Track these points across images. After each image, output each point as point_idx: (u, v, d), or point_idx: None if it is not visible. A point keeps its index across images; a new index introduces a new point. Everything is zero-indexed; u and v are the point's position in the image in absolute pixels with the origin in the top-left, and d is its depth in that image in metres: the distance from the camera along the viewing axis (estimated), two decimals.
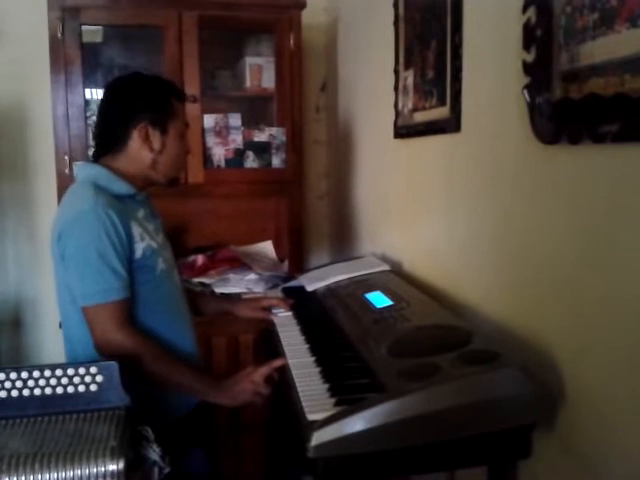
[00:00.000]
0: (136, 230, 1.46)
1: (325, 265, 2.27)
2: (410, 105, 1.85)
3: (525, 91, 1.16)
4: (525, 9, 1.16)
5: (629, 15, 0.91)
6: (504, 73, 1.28)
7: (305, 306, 1.84)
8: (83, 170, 1.55)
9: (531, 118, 1.15)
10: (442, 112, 1.60)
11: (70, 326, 1.49)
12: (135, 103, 1.50)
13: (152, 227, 1.56)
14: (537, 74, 1.13)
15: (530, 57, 1.14)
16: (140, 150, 1.50)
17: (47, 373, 1.18)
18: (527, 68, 1.15)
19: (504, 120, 1.30)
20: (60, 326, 2.35)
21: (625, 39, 0.92)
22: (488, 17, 1.38)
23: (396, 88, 1.97)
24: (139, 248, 1.45)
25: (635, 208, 0.94)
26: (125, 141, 1.50)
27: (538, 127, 1.14)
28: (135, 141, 1.50)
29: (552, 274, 1.17)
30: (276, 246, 2.77)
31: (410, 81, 1.85)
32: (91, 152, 2.39)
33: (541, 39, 1.11)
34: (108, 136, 1.53)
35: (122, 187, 1.49)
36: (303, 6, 2.55)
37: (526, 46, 1.16)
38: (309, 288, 1.92)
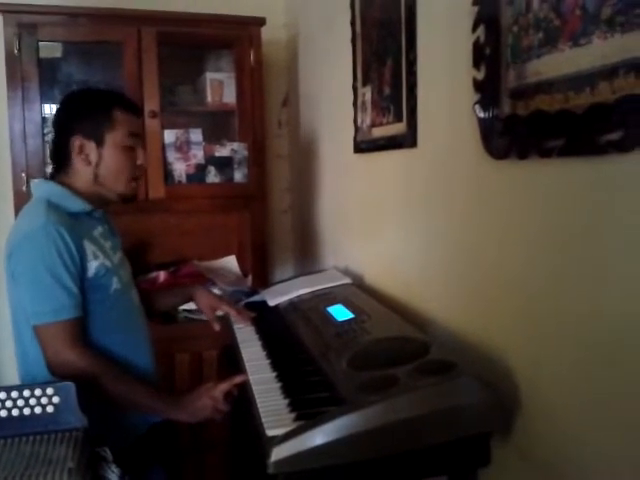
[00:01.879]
0: (89, 248, 1.44)
1: (288, 279, 2.28)
2: (368, 121, 1.88)
3: (476, 107, 1.19)
4: (475, 28, 1.19)
5: (571, 34, 0.95)
6: (456, 90, 1.32)
7: (267, 321, 1.83)
8: (38, 187, 1.52)
9: (482, 134, 1.19)
10: (399, 128, 1.63)
11: (24, 345, 1.46)
12: (69, 116, 1.50)
13: (109, 245, 1.54)
14: (487, 91, 1.16)
15: (480, 75, 1.18)
16: (80, 164, 1.48)
17: (2, 395, 1.15)
18: (477, 85, 1.19)
19: (457, 135, 1.33)
20: None
21: (568, 57, 0.96)
22: (440, 35, 1.41)
23: (355, 104, 2.00)
24: (92, 267, 1.43)
25: (580, 220, 0.98)
26: (68, 156, 1.48)
27: (489, 143, 1.17)
28: (74, 155, 1.48)
29: (505, 285, 1.19)
30: (240, 261, 2.76)
31: (368, 97, 1.88)
32: (49, 169, 2.38)
33: (490, 57, 1.15)
34: (55, 152, 1.53)
35: (76, 204, 1.47)
36: (263, 22, 2.57)
37: (476, 64, 1.19)
38: (271, 303, 1.93)
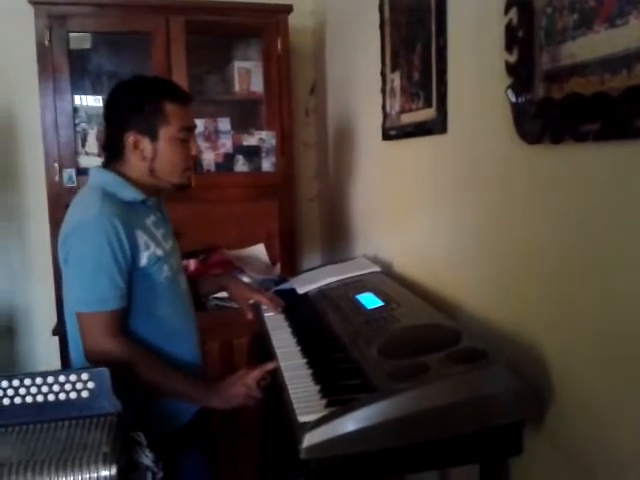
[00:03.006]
0: (141, 238, 1.44)
1: (316, 267, 2.28)
2: (397, 107, 1.86)
3: (508, 92, 1.17)
4: (507, 10, 1.17)
5: (607, 15, 0.92)
6: (488, 74, 1.29)
7: (297, 309, 1.84)
8: (94, 175, 1.52)
9: (514, 118, 1.17)
10: (429, 114, 1.61)
11: (73, 329, 1.48)
12: (121, 111, 1.48)
13: (161, 233, 1.54)
14: (519, 75, 1.14)
15: (512, 58, 1.16)
16: (134, 158, 1.48)
17: (39, 381, 1.18)
18: (510, 69, 1.17)
19: (489, 120, 1.31)
20: (53, 333, 2.36)
21: (604, 39, 0.94)
22: (471, 19, 1.39)
23: (383, 90, 1.98)
24: (144, 257, 1.44)
25: (617, 205, 0.95)
26: (122, 150, 1.48)
27: (521, 127, 1.15)
28: (128, 150, 1.48)
29: (538, 272, 1.18)
30: (268, 249, 2.77)
31: (397, 83, 1.86)
32: (81, 159, 2.41)
33: (523, 40, 1.13)
34: (109, 144, 1.53)
35: (130, 193, 1.47)
36: (290, 10, 2.56)
37: (508, 47, 1.17)
38: (300, 291, 1.93)
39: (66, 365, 2.14)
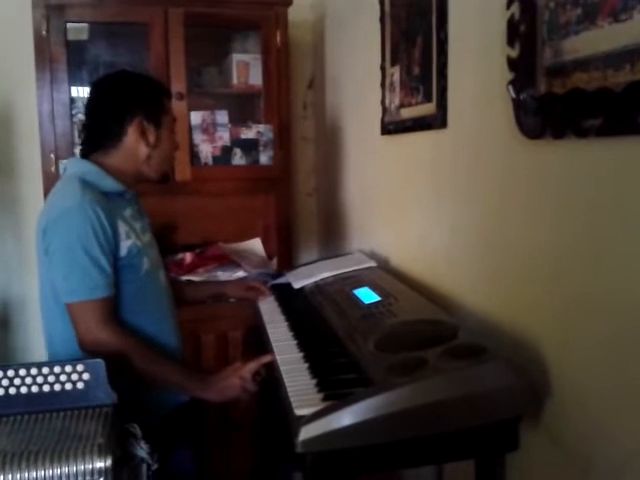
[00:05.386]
0: (122, 228, 1.45)
1: (312, 262, 2.27)
2: (397, 101, 1.86)
3: (510, 86, 1.16)
4: (509, 5, 1.16)
5: (611, 10, 0.92)
6: (489, 69, 1.29)
7: (293, 303, 1.84)
8: (72, 166, 1.55)
9: (516, 113, 1.16)
10: (428, 108, 1.61)
11: (51, 323, 1.48)
12: (130, 98, 1.52)
13: (139, 226, 1.56)
14: (521, 69, 1.14)
15: (514, 53, 1.15)
16: (136, 144, 1.52)
17: (34, 371, 1.17)
18: (511, 64, 1.16)
19: (489, 115, 1.31)
20: None
21: (607, 34, 0.93)
22: (473, 13, 1.38)
23: (383, 85, 1.97)
24: (124, 246, 1.44)
25: (618, 201, 0.95)
26: (120, 137, 1.51)
27: (523, 122, 1.14)
28: (131, 136, 1.51)
29: (537, 268, 1.17)
30: (265, 243, 2.76)
31: (397, 77, 1.85)
32: (77, 150, 2.39)
33: (525, 34, 1.12)
34: (101, 132, 1.53)
35: (110, 184, 1.48)
36: (289, 3, 2.55)
37: (510, 42, 1.16)
38: (296, 285, 1.93)
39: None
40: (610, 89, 0.92)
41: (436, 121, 1.56)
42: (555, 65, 1.06)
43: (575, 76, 1.00)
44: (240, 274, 2.47)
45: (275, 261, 2.67)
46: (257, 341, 1.72)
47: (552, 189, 1.11)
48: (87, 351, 1.37)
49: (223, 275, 2.47)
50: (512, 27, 1.16)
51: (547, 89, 1.08)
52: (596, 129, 0.95)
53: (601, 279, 1.00)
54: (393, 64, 1.89)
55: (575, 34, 1.00)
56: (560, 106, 1.03)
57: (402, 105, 1.82)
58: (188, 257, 2.55)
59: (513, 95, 1.16)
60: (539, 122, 1.09)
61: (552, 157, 1.10)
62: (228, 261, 2.55)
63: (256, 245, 2.77)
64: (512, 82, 1.16)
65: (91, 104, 1.55)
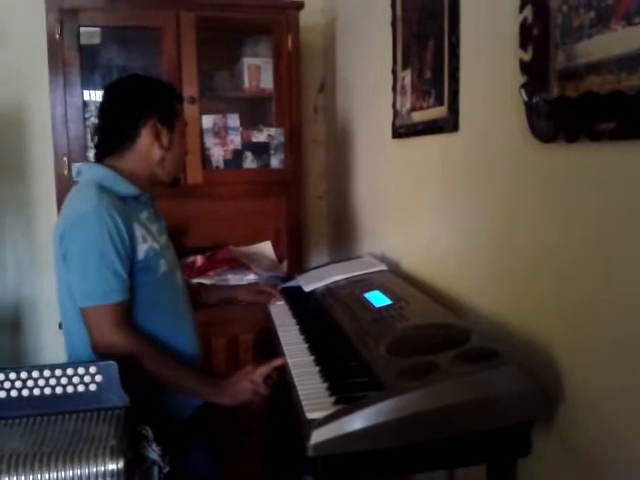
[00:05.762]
0: (139, 231, 1.46)
1: (323, 265, 2.27)
2: (408, 105, 1.86)
3: (522, 90, 1.16)
4: (522, 8, 1.16)
5: (625, 13, 0.92)
6: (501, 72, 1.29)
7: (304, 306, 1.84)
8: (87, 170, 1.56)
9: (528, 117, 1.16)
10: (440, 112, 1.61)
11: (70, 326, 1.49)
12: (144, 102, 1.53)
13: (155, 228, 1.56)
14: (534, 73, 1.13)
15: (527, 56, 1.15)
16: (150, 147, 1.53)
17: (46, 373, 1.18)
18: (524, 67, 1.16)
19: (501, 119, 1.30)
20: (60, 327, 2.36)
21: (621, 37, 0.93)
22: (485, 17, 1.38)
23: (394, 88, 1.97)
24: (141, 250, 1.45)
25: (631, 205, 0.95)
26: (134, 140, 1.52)
27: (535, 126, 1.14)
28: (145, 139, 1.52)
29: (549, 272, 1.17)
30: (275, 246, 2.77)
31: (408, 81, 1.85)
32: (90, 153, 2.41)
33: (538, 38, 1.12)
34: (115, 136, 1.54)
35: (126, 188, 1.49)
36: (301, 7, 2.56)
37: (523, 45, 1.16)
38: (307, 288, 1.93)
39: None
40: (624, 92, 0.91)
41: (447, 124, 1.56)
42: (568, 68, 1.05)
43: (588, 79, 1.00)
44: (250, 277, 2.48)
45: (285, 264, 2.68)
46: (268, 344, 1.72)
47: (564, 192, 1.11)
48: (100, 355, 1.38)
49: (233, 278, 2.48)
50: (525, 30, 1.15)
51: (560, 92, 1.07)
52: (609, 133, 0.94)
53: (612, 283, 1.00)
54: (404, 67, 1.89)
55: (588, 37, 1.00)
56: (573, 109, 1.03)
57: (413, 108, 1.82)
58: (199, 260, 2.55)
59: (525, 98, 1.16)
60: (552, 125, 1.09)
61: (564, 160, 1.09)
62: (238, 264, 2.56)
63: (266, 248, 2.78)
64: (524, 85, 1.16)
65: (104, 108, 1.56)
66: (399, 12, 1.92)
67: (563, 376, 1.13)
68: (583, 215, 1.06)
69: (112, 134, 1.54)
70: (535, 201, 1.20)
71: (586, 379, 1.07)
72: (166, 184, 1.62)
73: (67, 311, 1.49)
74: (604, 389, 1.03)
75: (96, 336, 1.40)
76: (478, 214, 1.45)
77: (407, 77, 1.86)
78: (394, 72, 1.97)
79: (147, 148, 1.53)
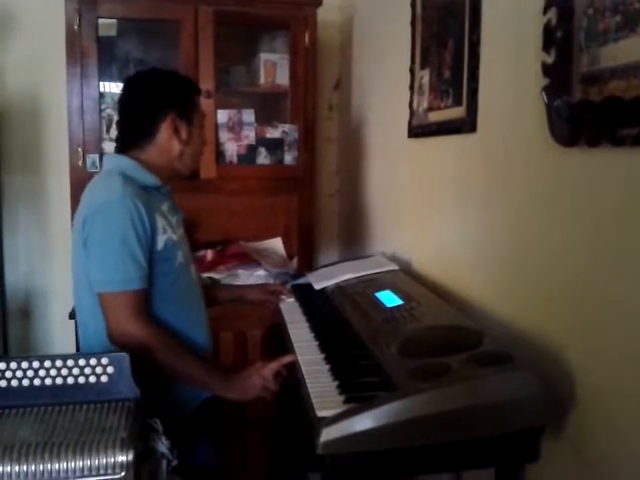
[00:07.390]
0: (160, 222, 1.47)
1: (333, 264, 2.26)
2: (425, 104, 1.85)
3: (543, 92, 1.15)
4: (546, 10, 1.15)
5: None
6: (522, 74, 1.28)
7: (314, 304, 1.83)
8: (111, 160, 1.57)
9: (549, 120, 1.15)
10: (458, 112, 1.60)
11: (84, 316, 1.50)
12: (163, 96, 1.54)
13: (174, 220, 1.58)
14: (556, 76, 1.12)
15: (550, 58, 1.14)
16: (169, 141, 1.54)
17: (58, 363, 1.18)
18: (546, 69, 1.15)
19: (521, 121, 1.29)
20: (70, 317, 2.37)
21: None
22: (507, 17, 1.37)
23: (411, 87, 1.96)
24: (161, 240, 1.46)
25: None
26: (154, 133, 1.53)
27: (556, 129, 1.13)
28: (164, 133, 1.53)
29: (565, 276, 1.16)
30: (286, 243, 2.76)
31: (426, 80, 1.84)
32: (105, 144, 2.42)
33: (561, 41, 1.11)
34: (135, 129, 1.55)
35: (149, 178, 1.51)
36: (319, 3, 2.55)
37: (546, 47, 1.15)
38: (317, 286, 1.92)
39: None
40: None
41: (465, 125, 1.54)
42: (591, 72, 1.04)
43: (612, 84, 0.99)
44: (260, 273, 2.48)
45: (295, 261, 2.67)
46: (276, 341, 1.71)
47: (584, 197, 1.10)
48: (115, 343, 1.38)
49: (243, 273, 2.47)
50: (548, 33, 1.14)
51: (582, 96, 1.06)
52: (632, 138, 0.93)
53: (630, 289, 0.98)
54: (423, 67, 1.88)
55: (614, 41, 0.99)
56: (596, 114, 1.02)
57: (430, 108, 1.81)
58: (209, 254, 2.56)
59: (547, 101, 1.15)
60: (573, 129, 1.08)
61: (585, 165, 1.08)
62: (248, 259, 2.56)
63: (277, 245, 2.77)
64: (546, 88, 1.15)
65: (123, 102, 1.56)
66: (419, 11, 1.91)
67: (577, 383, 1.12)
68: (603, 219, 1.05)
69: (132, 129, 1.55)
70: (553, 205, 1.19)
71: (600, 386, 1.06)
72: (184, 177, 1.64)
73: (82, 300, 1.49)
74: (618, 397, 1.02)
75: (112, 323, 1.40)
76: (493, 216, 1.44)
77: (425, 76, 1.85)
78: (412, 71, 1.96)
79: (166, 142, 1.54)
